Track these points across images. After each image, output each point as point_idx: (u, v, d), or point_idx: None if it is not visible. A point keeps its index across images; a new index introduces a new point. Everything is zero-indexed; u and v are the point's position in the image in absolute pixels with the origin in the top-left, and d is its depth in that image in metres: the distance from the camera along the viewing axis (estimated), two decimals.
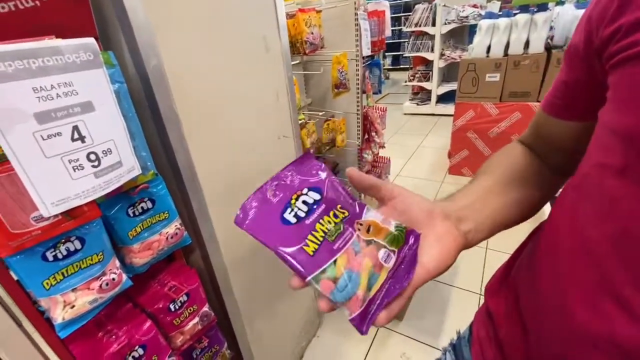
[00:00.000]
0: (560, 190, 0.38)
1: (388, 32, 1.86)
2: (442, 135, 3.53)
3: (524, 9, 2.27)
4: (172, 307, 0.67)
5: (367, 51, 1.59)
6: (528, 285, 0.38)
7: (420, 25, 3.92)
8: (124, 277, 0.54)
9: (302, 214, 0.31)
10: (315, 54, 1.48)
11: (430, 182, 2.69)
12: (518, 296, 0.39)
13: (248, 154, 0.88)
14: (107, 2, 0.55)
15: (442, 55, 3.93)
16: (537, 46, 2.16)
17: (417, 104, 4.47)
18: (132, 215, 0.56)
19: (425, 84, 4.27)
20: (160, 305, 0.67)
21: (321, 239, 0.30)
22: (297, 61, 1.56)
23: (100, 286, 0.50)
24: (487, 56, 2.32)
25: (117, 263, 0.53)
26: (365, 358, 1.37)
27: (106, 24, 0.57)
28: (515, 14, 2.24)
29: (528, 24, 2.16)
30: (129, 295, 0.67)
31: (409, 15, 4.12)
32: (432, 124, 4.05)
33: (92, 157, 0.44)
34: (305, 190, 0.33)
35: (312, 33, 1.34)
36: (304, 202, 0.32)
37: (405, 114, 4.56)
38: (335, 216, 0.32)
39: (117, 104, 0.48)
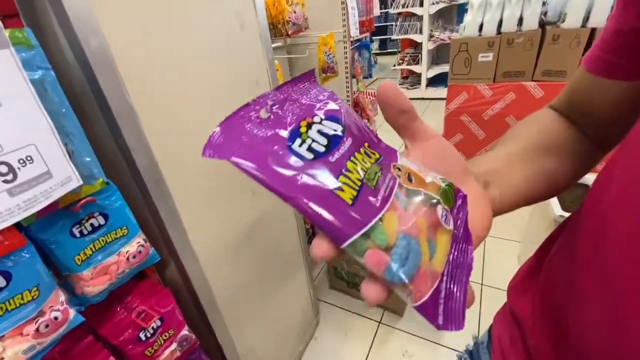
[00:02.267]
0: (601, 169, 0.30)
1: (376, 11, 1.74)
2: (434, 120, 3.44)
3: None
4: (142, 336, 0.57)
5: (355, 32, 1.47)
6: (565, 286, 0.30)
7: (407, 6, 3.78)
8: (71, 313, 0.44)
9: (321, 148, 0.20)
10: (299, 35, 1.36)
11: None
12: (552, 298, 0.33)
13: None
14: None
15: (431, 36, 3.81)
16: (531, 23, 2.06)
17: (407, 88, 4.36)
18: (78, 235, 0.45)
19: (414, 67, 4.15)
20: (128, 336, 0.57)
21: (358, 182, 0.20)
22: (280, 44, 1.44)
23: (38, 329, 0.40)
24: (480, 35, 2.22)
25: (62, 297, 0.43)
26: (367, 358, 1.30)
27: None
28: None
29: (521, 0, 2.06)
30: (89, 326, 0.57)
31: None
32: (424, 108, 3.96)
33: (3, 168, 0.33)
34: (317, 119, 0.21)
35: (295, 12, 1.22)
36: (320, 133, 0.21)
37: None
38: (368, 155, 0.22)
39: (38, 96, 0.36)
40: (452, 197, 0.24)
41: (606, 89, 0.34)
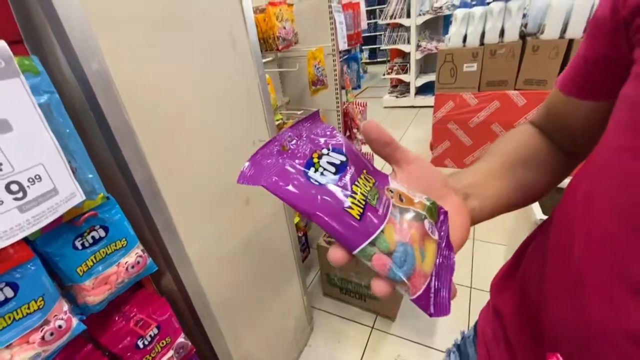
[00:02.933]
0: (571, 178, 0.35)
1: (364, 25, 1.80)
2: (422, 127, 3.52)
3: None
4: (140, 343, 0.59)
5: (343, 45, 1.53)
6: (538, 281, 0.35)
7: (395, 17, 3.89)
8: (74, 321, 0.46)
9: (332, 175, 0.25)
10: (289, 50, 1.41)
11: None
12: (528, 293, 0.37)
13: (219, 162, 0.80)
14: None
15: (418, 46, 3.92)
16: (512, 34, 2.15)
17: (397, 97, 4.46)
18: (80, 247, 0.48)
19: (403, 76, 4.25)
20: (127, 344, 0.59)
21: (363, 202, 0.25)
22: (271, 58, 1.48)
23: (43, 337, 0.42)
24: (464, 46, 2.30)
25: (65, 306, 0.45)
26: None
27: (33, 22, 0.48)
28: (489, 3, 2.22)
29: (502, 12, 2.15)
30: (89, 335, 0.59)
31: (384, 7, 4.07)
32: (413, 116, 4.04)
33: (14, 187, 0.36)
34: (325, 151, 0.27)
35: (285, 28, 1.27)
36: (329, 162, 0.26)
37: (385, 107, 4.54)
38: (367, 180, 0.27)
39: (45, 119, 0.39)
40: (436, 212, 0.29)
41: (578, 108, 0.38)
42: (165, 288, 0.73)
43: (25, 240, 0.40)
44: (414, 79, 4.15)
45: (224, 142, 0.79)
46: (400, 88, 4.56)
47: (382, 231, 0.24)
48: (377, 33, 6.40)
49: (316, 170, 0.25)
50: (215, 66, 0.75)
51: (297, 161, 0.25)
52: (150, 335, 0.61)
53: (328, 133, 0.29)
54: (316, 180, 0.25)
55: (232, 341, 0.93)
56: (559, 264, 0.32)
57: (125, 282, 0.54)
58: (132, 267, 0.54)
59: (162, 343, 0.63)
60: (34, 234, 0.40)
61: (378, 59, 7.17)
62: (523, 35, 2.19)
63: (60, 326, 0.43)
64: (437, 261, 0.27)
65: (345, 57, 1.72)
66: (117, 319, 0.60)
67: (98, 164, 0.52)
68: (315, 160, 0.26)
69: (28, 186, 0.37)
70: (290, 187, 0.24)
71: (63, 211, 0.41)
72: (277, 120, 1.33)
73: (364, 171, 0.28)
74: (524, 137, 0.43)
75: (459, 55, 2.29)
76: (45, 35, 0.49)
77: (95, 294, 0.50)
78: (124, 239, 0.53)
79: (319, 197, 0.24)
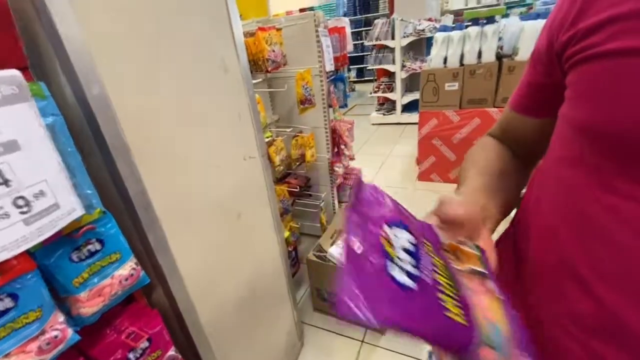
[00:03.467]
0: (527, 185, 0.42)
1: (350, 47, 1.90)
2: (409, 143, 3.62)
3: (475, 21, 2.41)
4: (132, 356, 0.61)
5: (330, 67, 1.61)
6: (508, 270, 0.39)
7: (380, 39, 4.06)
8: (69, 332, 0.48)
9: (415, 270, 0.24)
10: (278, 71, 1.47)
11: (402, 190, 2.74)
12: (500, 279, 0.41)
13: (211, 178, 0.83)
14: (39, 29, 0.50)
15: (403, 66, 4.09)
16: (489, 56, 2.29)
17: (384, 114, 4.59)
18: (77, 260, 0.50)
19: (389, 95, 4.40)
20: (118, 356, 0.60)
21: (454, 295, 0.24)
22: (261, 79, 1.55)
23: (40, 347, 0.44)
24: (445, 66, 2.43)
25: (61, 317, 0.47)
26: None
27: (39, 52, 0.52)
28: (467, 27, 2.37)
29: (479, 36, 2.30)
30: (80, 349, 0.60)
31: (370, 29, 4.26)
32: (400, 133, 4.16)
33: (20, 202, 0.39)
34: (388, 230, 0.26)
35: (274, 51, 1.33)
36: (405, 250, 0.25)
37: (373, 124, 4.66)
38: (434, 254, 0.27)
39: (51, 139, 0.43)
40: (483, 259, 0.29)
41: (526, 124, 0.45)
42: (157, 302, 0.75)
43: (27, 252, 0.43)
44: (399, 97, 4.30)
45: (216, 161, 0.83)
46: (387, 106, 4.71)
47: (480, 325, 0.24)
48: (364, 53, 6.63)
49: (399, 269, 0.24)
50: (208, 90, 0.79)
51: (373, 257, 0.24)
52: (141, 348, 0.62)
53: (374, 196, 0.28)
54: (407, 286, 0.23)
55: (223, 356, 0.93)
56: (523, 255, 0.37)
57: (119, 294, 0.56)
58: (126, 279, 0.56)
59: (153, 355, 0.64)
60: (35, 246, 0.43)
61: (365, 78, 7.38)
62: (499, 57, 2.33)
63: (56, 336, 0.45)
64: (511, 319, 0.27)
65: (332, 77, 1.80)
66: (108, 332, 0.62)
67: (95, 180, 0.55)
68: (390, 250, 0.24)
69: (33, 201, 0.40)
70: (388, 310, 0.22)
71: (64, 224, 0.44)
72: (267, 137, 1.38)
73: (423, 241, 0.27)
74: (493, 152, 0.48)
75: (441, 75, 2.41)
76: (49, 64, 0.53)
77: (89, 305, 0.52)
78: (118, 252, 0.56)
79: (419, 312, 0.22)
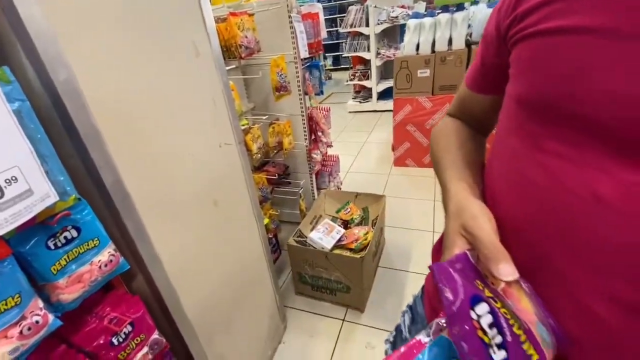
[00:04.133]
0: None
1: (324, 34, 1.90)
2: (385, 130, 3.70)
3: (445, 9, 2.47)
4: (115, 340, 0.61)
5: (304, 53, 1.61)
6: None
7: (354, 26, 4.06)
8: (50, 317, 0.48)
9: (500, 338, 0.26)
10: (252, 57, 1.46)
11: (378, 176, 2.81)
12: None
13: (187, 164, 0.83)
14: None
15: (378, 54, 4.12)
16: (459, 43, 2.36)
17: (360, 102, 4.63)
18: (53, 247, 0.50)
19: (365, 82, 4.44)
20: (101, 342, 0.60)
21: (523, 332, 0.27)
22: (235, 66, 1.53)
23: (21, 332, 0.44)
24: (417, 53, 2.48)
25: (40, 303, 0.47)
26: (332, 355, 1.39)
27: (0, 35, 0.50)
28: (438, 14, 2.42)
29: (449, 23, 2.36)
30: (63, 337, 0.60)
31: (344, 16, 4.24)
32: (376, 120, 4.23)
33: None
34: (475, 316, 0.27)
35: (247, 37, 1.32)
36: (490, 325, 0.27)
37: (350, 112, 4.70)
38: (494, 300, 0.29)
39: (19, 125, 0.42)
40: None
41: (480, 101, 0.49)
42: (138, 289, 0.75)
43: (2, 238, 0.42)
44: (375, 85, 4.35)
45: (191, 148, 0.83)
46: (363, 93, 4.75)
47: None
48: (340, 41, 6.61)
49: (493, 349, 0.26)
50: (180, 74, 0.79)
51: (475, 355, 0.25)
52: (124, 332, 0.63)
53: (452, 286, 0.28)
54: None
55: (207, 341, 0.95)
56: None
57: (99, 280, 0.57)
58: (106, 265, 0.57)
59: (137, 340, 0.65)
60: (9, 233, 0.43)
61: (342, 66, 7.38)
62: (469, 44, 2.41)
63: (37, 321, 0.46)
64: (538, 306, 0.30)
65: (307, 64, 1.80)
66: (90, 318, 0.62)
67: (68, 168, 0.54)
68: (485, 337, 0.26)
69: (5, 187, 0.40)
70: None
71: (38, 210, 0.44)
72: (243, 125, 1.38)
73: (479, 286, 0.29)
74: (461, 133, 0.52)
75: (413, 62, 2.46)
76: (12, 48, 0.51)
77: (69, 291, 0.52)
78: (96, 239, 0.56)
79: None
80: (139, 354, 0.65)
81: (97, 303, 0.65)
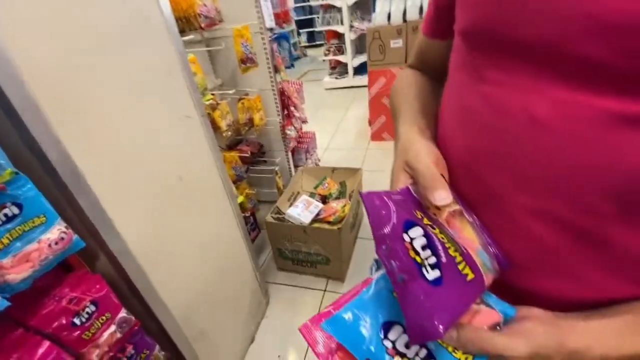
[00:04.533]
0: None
1: (290, 3, 1.82)
2: (362, 106, 3.66)
3: None
4: (77, 321, 0.59)
5: (270, 23, 1.54)
6: None
7: None
8: None
9: (433, 259, 0.27)
10: (214, 28, 1.39)
11: (355, 151, 2.81)
12: None
13: (143, 138, 0.79)
14: None
15: (351, 27, 4.02)
16: None
17: (336, 78, 4.56)
18: None
19: (340, 57, 4.35)
20: (63, 322, 0.58)
21: (460, 255, 0.28)
22: (199, 38, 1.45)
23: None
24: (389, 23, 2.44)
25: None
26: None
27: None
28: None
29: None
30: (19, 321, 0.57)
31: None
32: (352, 96, 4.18)
33: None
34: (407, 238, 0.27)
35: (205, 5, 1.24)
36: (424, 247, 0.27)
37: (326, 89, 4.62)
38: (436, 228, 0.29)
39: None
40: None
41: (435, 47, 0.48)
42: (102, 269, 0.73)
43: None
44: (350, 60, 4.27)
45: (147, 117, 0.79)
46: (339, 69, 4.67)
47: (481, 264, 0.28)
48: (314, 15, 6.40)
49: (427, 268, 0.27)
50: (128, 41, 0.73)
51: (414, 276, 0.26)
52: (87, 312, 0.61)
53: (384, 210, 0.29)
54: (437, 281, 0.26)
55: (183, 318, 0.95)
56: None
57: (50, 259, 0.54)
58: (56, 243, 0.54)
59: (102, 319, 0.63)
60: None
61: (317, 42, 7.19)
62: None
63: None
64: (480, 234, 0.31)
65: (276, 36, 1.73)
66: (47, 300, 0.60)
67: (8, 144, 0.50)
68: (416, 256, 0.27)
69: None
70: (450, 308, 0.26)
71: None
72: (208, 100, 1.32)
73: (419, 215, 0.30)
74: (419, 83, 0.51)
75: (385, 32, 2.42)
76: None
77: (16, 271, 0.49)
78: (42, 216, 0.53)
79: (455, 298, 0.26)
80: (106, 333, 0.64)
81: (55, 285, 0.62)
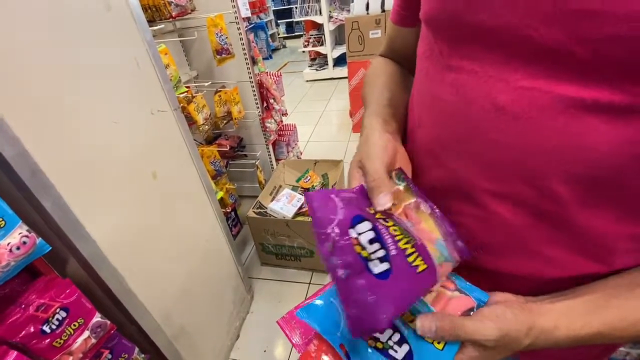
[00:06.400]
0: None
1: None
2: (343, 98, 3.66)
3: None
4: (46, 328, 0.56)
5: (245, 12, 1.50)
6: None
7: None
8: None
9: (382, 252, 0.26)
10: (187, 18, 1.33)
11: (337, 143, 2.80)
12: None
13: (112, 133, 0.75)
14: None
15: (330, 17, 3.98)
16: None
17: (317, 70, 4.51)
18: None
19: (320, 49, 4.30)
20: (31, 330, 0.55)
21: (412, 247, 0.27)
22: (166, 27, 1.39)
23: None
24: (367, 13, 2.42)
25: None
26: None
27: None
28: None
29: None
30: None
31: None
32: (333, 88, 4.16)
33: None
34: (354, 233, 0.27)
35: None
36: (371, 241, 0.26)
37: (307, 80, 4.57)
38: (385, 221, 0.29)
39: None
40: (409, 187, 0.32)
41: (404, 35, 0.47)
42: (73, 274, 0.69)
43: None
44: (330, 51, 4.23)
45: (114, 115, 0.74)
46: (319, 61, 4.62)
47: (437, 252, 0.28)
48: (292, 6, 6.28)
49: (373, 262, 0.26)
50: (86, 32, 0.68)
51: (357, 269, 0.25)
52: (57, 319, 0.58)
53: (330, 204, 0.28)
54: (384, 274, 0.26)
55: (163, 318, 0.92)
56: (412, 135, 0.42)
57: (12, 265, 0.50)
58: (18, 248, 0.50)
59: (74, 325, 0.60)
60: None
61: (296, 33, 7.08)
62: None
63: None
64: (440, 223, 0.31)
65: (252, 25, 1.68)
66: (13, 309, 0.56)
67: None
68: (361, 251, 0.26)
69: None
70: (392, 299, 0.25)
71: None
72: (182, 92, 1.27)
73: (371, 212, 0.29)
74: (388, 72, 0.50)
75: (364, 22, 2.40)
76: None
77: None
78: (0, 220, 0.49)
79: (404, 290, 0.26)
80: (80, 339, 0.61)
81: (21, 292, 0.58)
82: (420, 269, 0.27)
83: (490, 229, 0.32)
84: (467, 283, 0.31)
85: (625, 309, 0.27)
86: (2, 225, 0.49)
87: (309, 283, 1.56)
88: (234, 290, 1.38)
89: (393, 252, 0.26)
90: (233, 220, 1.68)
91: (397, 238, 0.27)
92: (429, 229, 0.30)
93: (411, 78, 0.51)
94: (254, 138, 1.94)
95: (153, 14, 1.22)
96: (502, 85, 0.27)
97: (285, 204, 1.57)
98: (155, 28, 1.04)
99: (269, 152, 1.97)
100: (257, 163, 1.85)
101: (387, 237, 0.27)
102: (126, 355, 0.74)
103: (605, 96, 0.23)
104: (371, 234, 0.27)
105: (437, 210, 0.31)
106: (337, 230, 0.26)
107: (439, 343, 0.28)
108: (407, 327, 0.29)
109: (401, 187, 0.32)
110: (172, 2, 1.17)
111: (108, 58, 0.73)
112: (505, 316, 0.27)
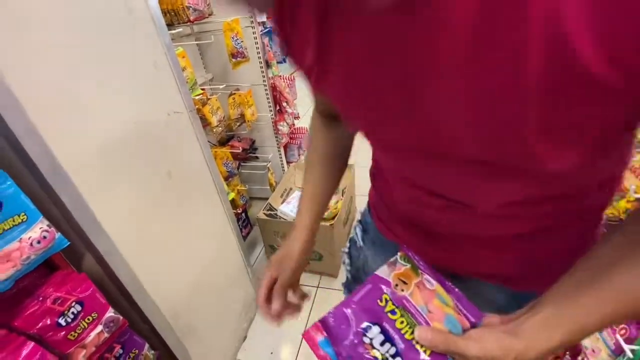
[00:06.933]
0: None
1: None
2: None
3: None
4: (62, 321, 0.58)
5: (261, 17, 1.52)
6: (379, 174, 0.54)
7: None
8: None
9: (393, 349, 0.30)
10: (204, 22, 1.36)
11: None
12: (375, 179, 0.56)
13: (131, 134, 0.77)
14: None
15: None
16: None
17: None
18: None
19: None
20: (48, 322, 0.57)
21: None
22: (185, 30, 1.42)
23: None
24: None
25: None
26: (307, 321, 1.42)
27: None
28: None
29: None
30: (2, 321, 0.56)
31: None
32: None
33: None
34: (367, 340, 0.31)
35: None
36: (382, 342, 0.31)
37: None
38: (393, 312, 0.32)
39: None
40: (415, 264, 0.37)
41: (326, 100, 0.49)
42: (89, 269, 0.71)
43: None
44: None
45: (132, 113, 0.77)
46: None
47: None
48: None
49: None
50: (110, 35, 0.71)
51: None
52: (72, 312, 0.59)
53: (343, 327, 0.32)
54: None
55: (173, 316, 0.94)
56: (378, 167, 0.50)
57: (32, 258, 0.52)
58: (38, 242, 0.52)
59: (88, 319, 0.62)
60: None
61: None
62: None
63: None
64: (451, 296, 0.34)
65: (267, 30, 1.71)
66: (31, 302, 0.58)
67: None
68: (379, 356, 0.30)
69: None
70: None
71: None
72: (197, 95, 1.30)
73: (381, 303, 0.33)
74: (322, 143, 0.54)
75: None
76: None
77: None
78: (22, 214, 0.51)
79: None
80: (93, 333, 0.63)
81: (39, 285, 0.60)
82: (427, 353, 0.30)
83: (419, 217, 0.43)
84: (470, 304, 0.34)
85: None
86: (24, 220, 0.51)
87: (317, 286, 1.56)
88: (243, 291, 1.39)
89: (402, 346, 0.30)
90: (243, 222, 1.70)
91: (403, 332, 0.31)
92: (439, 305, 0.33)
93: (344, 141, 0.54)
94: (266, 140, 1.96)
95: (172, 18, 1.25)
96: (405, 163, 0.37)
97: (295, 207, 1.58)
98: (173, 32, 1.07)
99: (280, 154, 1.98)
100: (268, 165, 1.86)
101: (393, 335, 0.31)
102: (137, 351, 0.75)
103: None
104: (381, 337, 0.31)
105: (447, 283, 0.35)
106: (353, 342, 0.31)
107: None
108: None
109: (408, 266, 0.36)
110: (190, 6, 1.20)
111: (128, 60, 0.75)
112: (488, 339, 0.30)
